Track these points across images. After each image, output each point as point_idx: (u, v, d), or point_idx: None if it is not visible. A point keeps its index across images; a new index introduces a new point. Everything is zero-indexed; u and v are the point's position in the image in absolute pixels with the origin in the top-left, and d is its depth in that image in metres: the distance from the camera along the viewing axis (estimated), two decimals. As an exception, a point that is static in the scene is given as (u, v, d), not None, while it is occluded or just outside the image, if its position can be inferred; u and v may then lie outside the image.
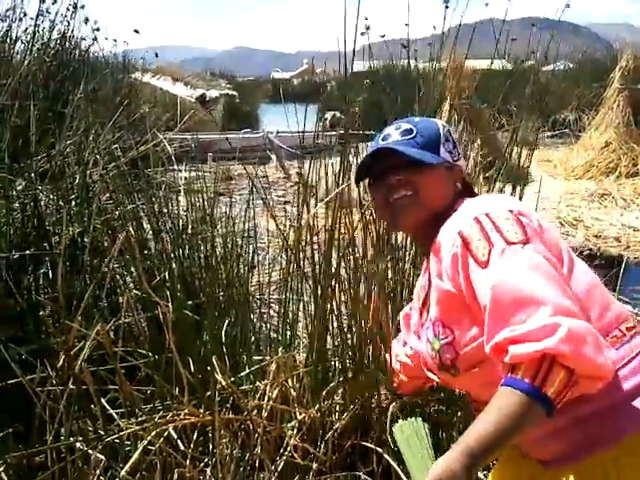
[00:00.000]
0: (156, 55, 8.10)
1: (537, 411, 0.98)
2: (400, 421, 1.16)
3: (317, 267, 2.08)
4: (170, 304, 1.96)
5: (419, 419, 1.14)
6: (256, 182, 2.84)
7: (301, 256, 2.17)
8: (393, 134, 1.32)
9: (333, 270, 2.09)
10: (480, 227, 1.12)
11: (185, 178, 3.16)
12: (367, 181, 1.38)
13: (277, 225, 2.24)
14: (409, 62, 2.78)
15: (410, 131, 1.30)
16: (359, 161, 1.35)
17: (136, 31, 4.58)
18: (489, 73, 7.33)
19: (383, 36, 3.49)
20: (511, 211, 1.14)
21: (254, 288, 2.63)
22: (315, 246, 2.17)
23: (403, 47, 2.58)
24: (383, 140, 1.33)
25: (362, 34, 2.42)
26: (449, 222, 1.20)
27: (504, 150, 2.70)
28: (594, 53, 15.56)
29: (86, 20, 4.93)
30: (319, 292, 1.99)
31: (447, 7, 2.31)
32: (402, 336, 1.56)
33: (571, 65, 16.82)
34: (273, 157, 8.89)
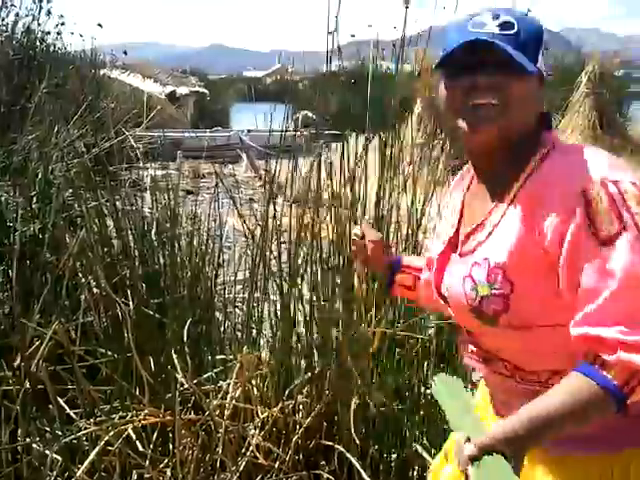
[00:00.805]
0: (125, 53, 7.96)
1: (610, 411, 0.95)
2: (441, 374, 1.13)
3: (283, 265, 2.08)
4: (131, 303, 1.94)
5: (459, 378, 1.12)
6: (225, 181, 2.83)
7: (267, 254, 2.16)
8: (489, 24, 1.06)
9: (300, 269, 2.09)
10: (610, 198, 0.96)
11: (152, 176, 3.12)
12: (441, 73, 1.13)
13: (242, 223, 2.23)
14: (370, 62, 2.79)
15: (511, 26, 1.06)
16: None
17: (100, 25, 4.52)
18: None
19: (353, 36, 3.50)
20: (638, 187, 0.99)
21: (220, 287, 2.61)
22: (284, 245, 2.17)
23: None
24: (475, 28, 1.07)
25: (330, 33, 2.41)
26: (558, 173, 1.02)
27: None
28: (563, 58, 15.84)
29: (48, 12, 4.83)
30: (284, 290, 1.98)
31: (407, 7, 2.30)
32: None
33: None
34: (244, 156, 8.85)
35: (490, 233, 1.09)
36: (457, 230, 1.20)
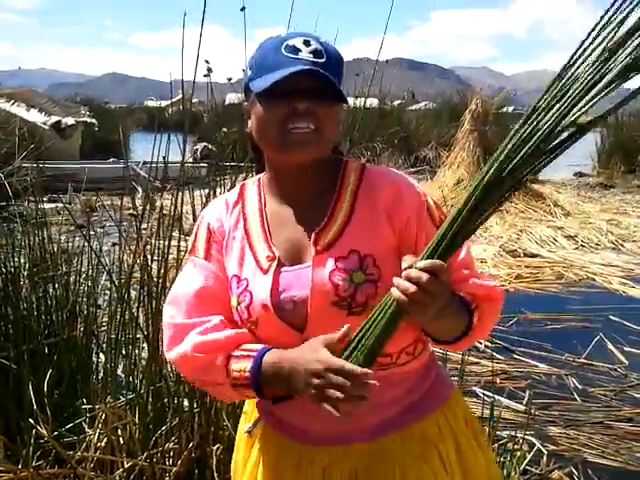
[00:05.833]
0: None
1: None
2: None
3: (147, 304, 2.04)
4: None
5: None
6: (118, 215, 2.75)
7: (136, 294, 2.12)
8: (303, 51, 1.09)
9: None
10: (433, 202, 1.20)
11: (39, 210, 3.00)
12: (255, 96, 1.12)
13: (105, 265, 2.18)
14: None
15: (321, 53, 1.10)
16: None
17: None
18: (355, 111, 7.60)
19: (230, 79, 3.51)
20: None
21: (99, 330, 2.53)
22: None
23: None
24: (289, 53, 1.09)
25: (205, 76, 2.42)
26: (392, 179, 1.17)
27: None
28: (452, 95, 16.66)
29: None
30: (150, 331, 1.95)
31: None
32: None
33: (432, 106, 17.87)
34: (139, 188, 8.65)
35: (342, 231, 1.14)
36: (268, 245, 1.17)
